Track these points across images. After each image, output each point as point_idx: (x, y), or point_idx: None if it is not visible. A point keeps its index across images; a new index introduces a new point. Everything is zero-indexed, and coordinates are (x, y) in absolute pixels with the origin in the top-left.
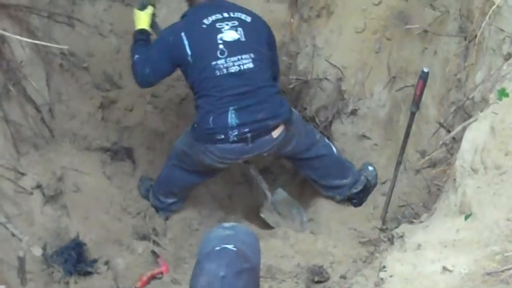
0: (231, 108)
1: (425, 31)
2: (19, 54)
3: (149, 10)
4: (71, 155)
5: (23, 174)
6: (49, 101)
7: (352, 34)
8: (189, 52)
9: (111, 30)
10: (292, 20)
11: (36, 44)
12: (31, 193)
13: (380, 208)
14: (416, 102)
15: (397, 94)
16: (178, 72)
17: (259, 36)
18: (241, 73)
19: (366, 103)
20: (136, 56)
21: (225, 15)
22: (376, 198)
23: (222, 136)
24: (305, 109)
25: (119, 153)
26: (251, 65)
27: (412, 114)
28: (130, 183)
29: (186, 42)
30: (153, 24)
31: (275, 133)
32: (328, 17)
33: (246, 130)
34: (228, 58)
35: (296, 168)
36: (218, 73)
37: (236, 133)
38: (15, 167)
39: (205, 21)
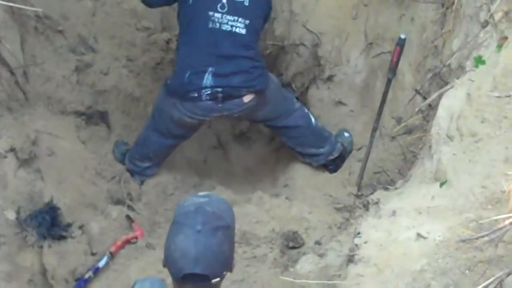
0: (209, 69)
1: None
2: None
3: None
4: (45, 118)
5: None
6: (23, 64)
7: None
8: None
9: None
10: None
11: (10, 6)
12: (5, 157)
13: (356, 174)
14: (393, 69)
15: (373, 60)
16: (154, 36)
17: (261, 7)
18: (231, 35)
19: (343, 70)
20: None
21: None
22: (351, 164)
23: (195, 94)
24: (281, 74)
25: (94, 117)
26: (243, 31)
27: (389, 81)
28: (105, 147)
29: None
30: None
31: (246, 98)
32: None
33: (219, 90)
34: (226, 15)
35: (274, 134)
36: (210, 25)
37: (208, 92)
38: None
39: None
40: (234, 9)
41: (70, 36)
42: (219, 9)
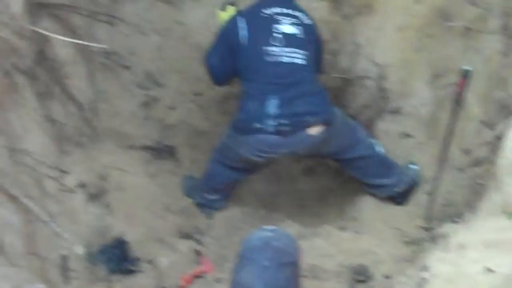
0: (273, 96)
1: (467, 29)
2: (61, 53)
3: (230, 10)
4: (114, 153)
5: (66, 172)
6: (92, 99)
7: (394, 31)
8: (243, 34)
9: (153, 28)
10: (333, 17)
11: (78, 43)
12: (74, 192)
13: (424, 207)
14: (459, 100)
15: (439, 92)
16: None
17: (314, 39)
18: (290, 65)
19: (409, 101)
20: (208, 53)
21: (285, 11)
22: (419, 197)
23: (259, 125)
24: (347, 107)
25: (162, 151)
26: (302, 62)
27: (455, 112)
28: (172, 182)
29: (241, 25)
30: None
31: (312, 131)
32: (370, 15)
33: (284, 122)
34: (282, 48)
35: (339, 166)
36: (268, 59)
37: (273, 123)
38: (59, 166)
39: (264, 10)
40: (289, 42)
41: (137, 71)
42: (274, 43)
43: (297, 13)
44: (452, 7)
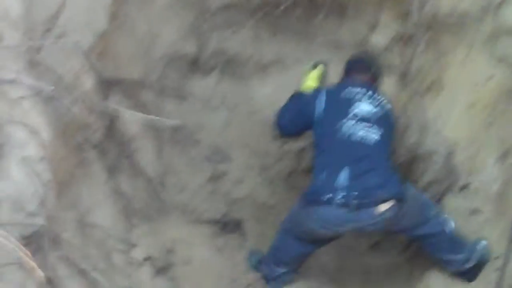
0: (345, 167)
1: None
2: (130, 128)
3: (319, 69)
4: (181, 227)
5: (134, 245)
6: (160, 173)
7: (463, 108)
8: (323, 106)
9: (222, 103)
10: (402, 94)
11: (147, 118)
12: (142, 265)
13: (493, 283)
14: None
15: (509, 168)
16: (287, 146)
17: (390, 122)
18: (365, 140)
19: (478, 178)
20: (283, 106)
21: (369, 93)
22: (488, 273)
23: (330, 195)
24: (416, 183)
25: (229, 225)
26: (377, 137)
27: None
28: (239, 256)
29: (323, 98)
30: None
31: (382, 207)
32: (438, 92)
33: (354, 193)
34: (358, 122)
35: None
36: (344, 131)
37: (343, 194)
38: (127, 239)
39: (348, 88)
40: (366, 118)
41: (206, 145)
42: (351, 118)
43: (378, 97)
44: None
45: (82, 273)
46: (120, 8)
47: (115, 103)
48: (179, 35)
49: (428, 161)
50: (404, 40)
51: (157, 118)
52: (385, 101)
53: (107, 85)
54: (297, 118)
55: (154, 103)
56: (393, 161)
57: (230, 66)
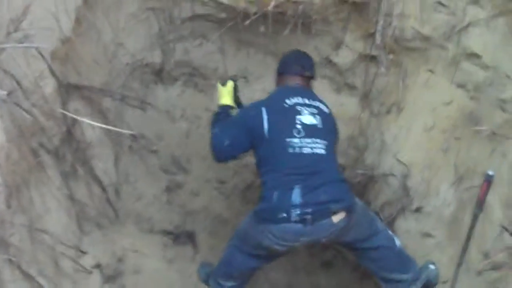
0: (296, 186)
1: (494, 133)
2: (88, 135)
3: (230, 85)
4: (133, 236)
5: (84, 252)
6: (115, 181)
7: (421, 131)
8: (266, 126)
9: (182, 115)
10: (362, 114)
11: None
12: (91, 272)
13: None
14: (480, 205)
15: (463, 194)
16: (245, 160)
17: (332, 128)
18: (312, 156)
19: (431, 201)
20: (217, 129)
21: (307, 101)
22: None
23: (284, 215)
24: (370, 203)
25: (181, 236)
26: (323, 151)
27: (475, 216)
28: (190, 268)
29: (265, 117)
30: (236, 99)
31: (335, 218)
32: (398, 114)
33: (308, 210)
34: (303, 139)
35: (355, 258)
36: (290, 150)
37: (298, 212)
38: (77, 246)
39: (287, 101)
40: (310, 132)
41: (164, 156)
42: (295, 134)
43: (317, 103)
44: (481, 111)
45: (28, 277)
46: (86, 14)
47: (75, 110)
48: (144, 44)
49: (383, 183)
50: (367, 61)
51: (115, 129)
52: (323, 106)
53: (67, 91)
54: (244, 139)
55: (114, 111)
56: (347, 178)
57: (193, 78)
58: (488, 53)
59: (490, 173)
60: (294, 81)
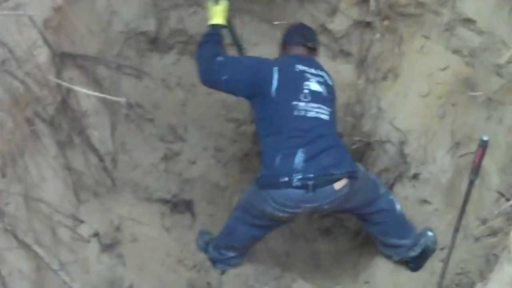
0: (299, 149)
1: (490, 99)
2: (84, 104)
3: (223, 4)
4: (130, 205)
5: (81, 221)
6: (112, 150)
7: (417, 98)
8: (275, 85)
9: (178, 83)
10: (358, 81)
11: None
12: (88, 241)
13: (437, 274)
14: (475, 170)
15: (460, 160)
16: (243, 128)
17: (333, 99)
18: (316, 119)
19: (428, 168)
20: (219, 58)
21: (313, 71)
22: (433, 264)
23: (286, 179)
24: (367, 170)
25: (179, 205)
26: (326, 117)
27: (471, 182)
28: (188, 236)
29: (275, 76)
30: (229, 22)
31: (337, 185)
32: (394, 80)
33: (310, 175)
34: (309, 104)
35: (357, 220)
36: (296, 113)
37: (300, 177)
38: (74, 215)
39: (297, 66)
40: (316, 98)
41: (160, 124)
42: (302, 99)
43: (321, 73)
44: (476, 76)
45: (24, 246)
46: None
47: (70, 79)
48: (139, 12)
49: (380, 149)
50: (362, 27)
51: (108, 96)
52: (327, 76)
53: (61, 60)
54: (243, 86)
55: (110, 80)
56: (345, 145)
57: (188, 46)
58: (482, 18)
59: (485, 138)
60: (298, 51)
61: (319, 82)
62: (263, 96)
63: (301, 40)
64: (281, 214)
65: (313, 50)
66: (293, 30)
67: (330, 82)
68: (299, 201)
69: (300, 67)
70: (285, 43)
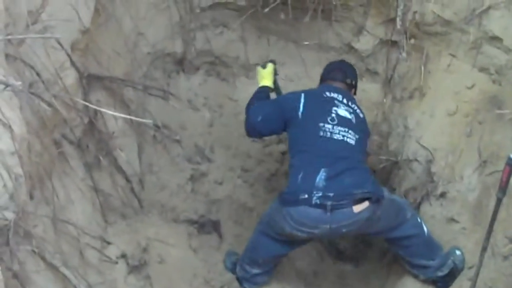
0: (322, 169)
1: None
2: (111, 125)
3: (270, 67)
4: (158, 226)
5: (109, 243)
6: (139, 172)
7: (444, 116)
8: (301, 108)
9: (205, 104)
10: (385, 100)
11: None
12: (116, 263)
13: None
14: (503, 188)
15: (487, 178)
16: (269, 148)
17: (365, 129)
18: (342, 142)
19: (456, 186)
20: (253, 106)
21: (345, 101)
22: (462, 283)
23: (306, 196)
24: (394, 189)
25: (206, 225)
26: (353, 142)
27: (498, 200)
28: (215, 257)
29: (302, 101)
30: (274, 81)
31: (357, 208)
32: (421, 99)
33: (330, 194)
34: (336, 126)
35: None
36: (321, 133)
37: (319, 195)
38: (102, 236)
39: (326, 93)
40: (343, 123)
41: (187, 145)
42: (329, 121)
43: (353, 106)
44: (503, 94)
45: (52, 268)
46: (105, 4)
47: (97, 100)
48: (165, 34)
49: (407, 168)
50: (388, 46)
51: (137, 119)
52: (359, 110)
53: (88, 82)
54: (276, 118)
55: (137, 101)
56: (371, 165)
57: (215, 66)
58: (509, 36)
59: None
60: (334, 84)
61: (348, 111)
62: (293, 120)
63: (339, 75)
64: (299, 234)
65: (350, 86)
66: (333, 65)
67: (361, 116)
68: (316, 221)
69: (330, 94)
70: (323, 77)
